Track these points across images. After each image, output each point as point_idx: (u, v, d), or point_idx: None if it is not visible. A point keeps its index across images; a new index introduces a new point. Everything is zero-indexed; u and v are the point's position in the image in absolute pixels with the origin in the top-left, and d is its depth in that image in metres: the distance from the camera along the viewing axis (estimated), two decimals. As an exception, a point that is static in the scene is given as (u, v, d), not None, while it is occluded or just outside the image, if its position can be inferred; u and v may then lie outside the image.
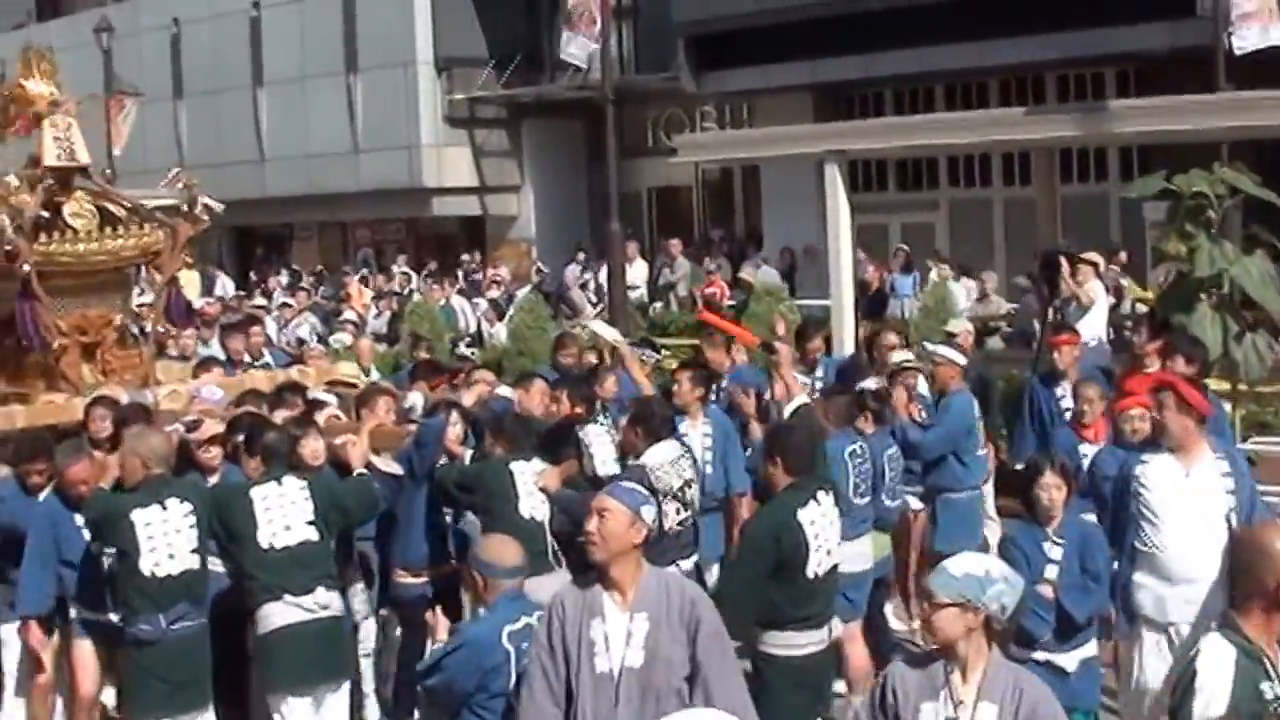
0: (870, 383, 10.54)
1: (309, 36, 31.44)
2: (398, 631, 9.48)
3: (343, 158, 30.62)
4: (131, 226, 10.66)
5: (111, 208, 10.75)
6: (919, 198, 26.04)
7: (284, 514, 8.11)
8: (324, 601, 8.12)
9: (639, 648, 5.50)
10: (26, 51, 10.79)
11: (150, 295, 12.68)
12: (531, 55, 30.06)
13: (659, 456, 8.41)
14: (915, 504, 10.79)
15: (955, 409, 10.59)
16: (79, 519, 8.41)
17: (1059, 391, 11.02)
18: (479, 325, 22.68)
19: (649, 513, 5.60)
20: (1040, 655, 7.19)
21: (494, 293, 24.45)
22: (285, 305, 22.77)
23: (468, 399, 10.12)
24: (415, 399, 9.99)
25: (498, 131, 30.57)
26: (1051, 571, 7.29)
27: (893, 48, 23.85)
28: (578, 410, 9.80)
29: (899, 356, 11.24)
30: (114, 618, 8.30)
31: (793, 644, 7.10)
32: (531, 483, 8.84)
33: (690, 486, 8.58)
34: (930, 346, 11.26)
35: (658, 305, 24.11)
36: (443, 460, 9.16)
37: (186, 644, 7.97)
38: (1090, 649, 7.46)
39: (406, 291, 24.67)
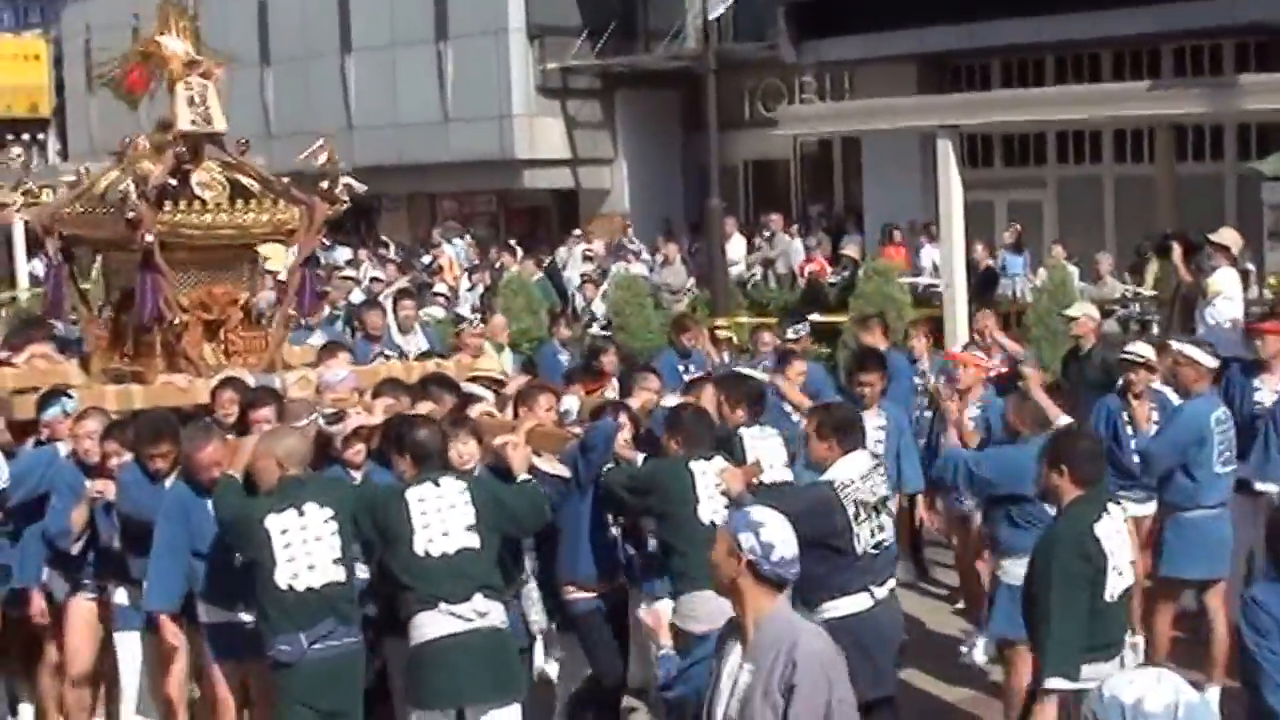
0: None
1: (398, 2, 30.89)
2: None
3: (432, 127, 30.10)
4: (264, 201, 9.90)
5: (244, 180, 9.98)
6: (1026, 174, 25.23)
7: (442, 519, 7.34)
8: (483, 609, 7.31)
9: (737, 699, 4.89)
10: (164, 5, 9.92)
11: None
12: (626, 24, 29.36)
13: (850, 470, 7.42)
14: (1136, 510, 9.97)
15: (1185, 416, 9.44)
16: (212, 507, 7.66)
17: (1256, 383, 10.27)
18: (572, 301, 22.22)
19: (747, 541, 4.90)
20: None
21: (587, 267, 23.96)
22: (375, 279, 22.33)
23: (633, 402, 9.24)
24: (571, 403, 9.15)
25: (591, 102, 29.90)
26: None
27: (1001, 17, 23.01)
28: (738, 411, 8.96)
29: (1133, 348, 10.31)
30: (246, 618, 7.64)
31: (1086, 678, 6.32)
32: (713, 484, 7.94)
33: (886, 503, 7.57)
34: (1175, 345, 10.10)
35: (756, 280, 23.59)
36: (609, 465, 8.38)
37: (332, 666, 7.19)
38: None
39: (499, 265, 24.17)
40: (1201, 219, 19.57)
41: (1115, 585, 6.51)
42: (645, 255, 24.19)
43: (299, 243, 10.10)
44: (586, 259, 24.47)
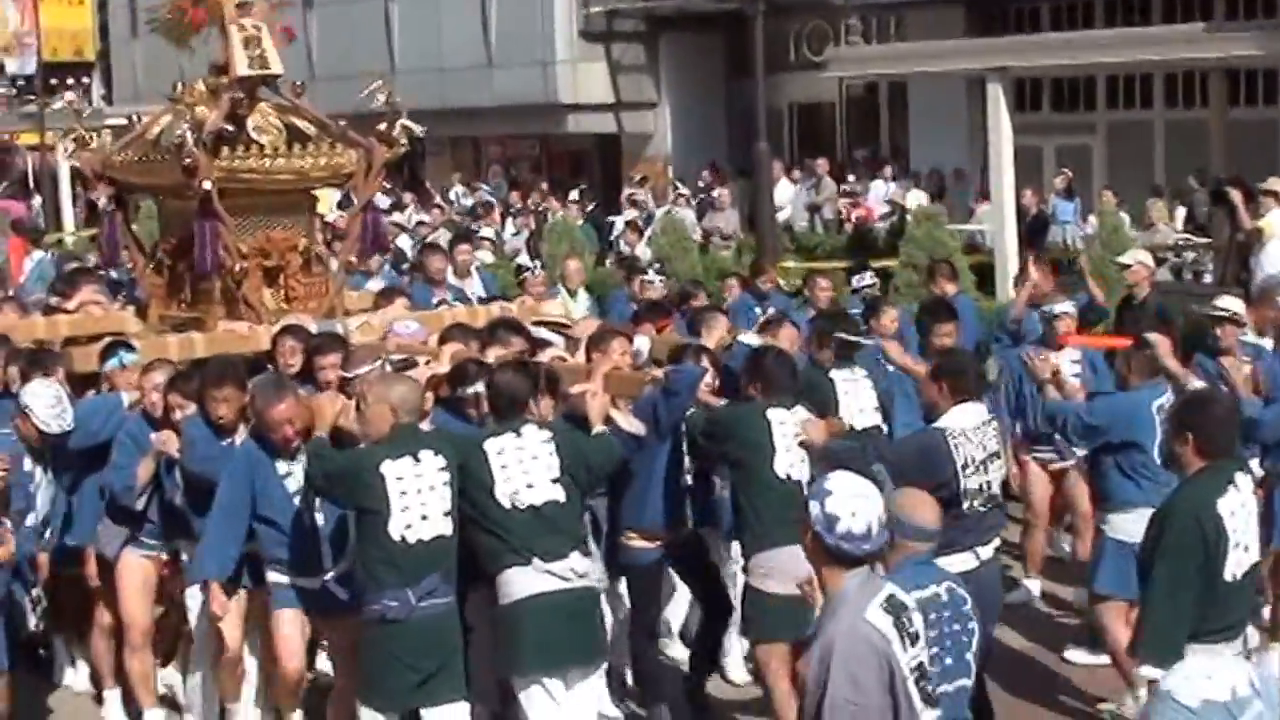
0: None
1: (442, -56, 30.70)
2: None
3: (476, 72, 29.93)
4: (321, 145, 9.67)
5: (299, 123, 9.77)
6: (1075, 119, 25.01)
7: (524, 470, 7.00)
8: (580, 569, 7.01)
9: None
10: None
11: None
12: (671, -34, 29.14)
13: (960, 420, 7.03)
14: None
15: None
16: (281, 467, 7.42)
17: None
18: (615, 246, 22.09)
19: (814, 510, 4.66)
20: None
21: (632, 212, 23.82)
22: (421, 223, 22.27)
23: (708, 341, 8.78)
24: (642, 343, 8.73)
25: (635, 46, 29.61)
26: None
27: (1052, -40, 22.96)
28: (825, 350, 8.66)
29: (1222, 303, 9.79)
30: (328, 578, 7.38)
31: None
32: (791, 435, 7.48)
33: (996, 459, 7.14)
34: None
35: (802, 225, 23.44)
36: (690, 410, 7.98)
37: (437, 623, 6.83)
38: None
39: (541, 209, 24.08)
40: (1254, 164, 19.32)
41: (1238, 563, 6.09)
42: (693, 201, 24.05)
43: (358, 187, 9.88)
44: (632, 203, 24.34)
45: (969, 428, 7.01)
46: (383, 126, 9.83)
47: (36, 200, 29.87)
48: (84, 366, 8.90)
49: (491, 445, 7.06)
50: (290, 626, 7.58)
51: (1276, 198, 14.93)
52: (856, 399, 8.50)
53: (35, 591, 7.97)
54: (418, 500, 6.77)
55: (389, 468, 6.76)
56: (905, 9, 26.01)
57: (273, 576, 7.57)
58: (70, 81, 37.39)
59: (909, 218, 19.13)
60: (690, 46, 29.64)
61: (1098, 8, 24.14)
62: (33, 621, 7.84)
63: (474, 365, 7.89)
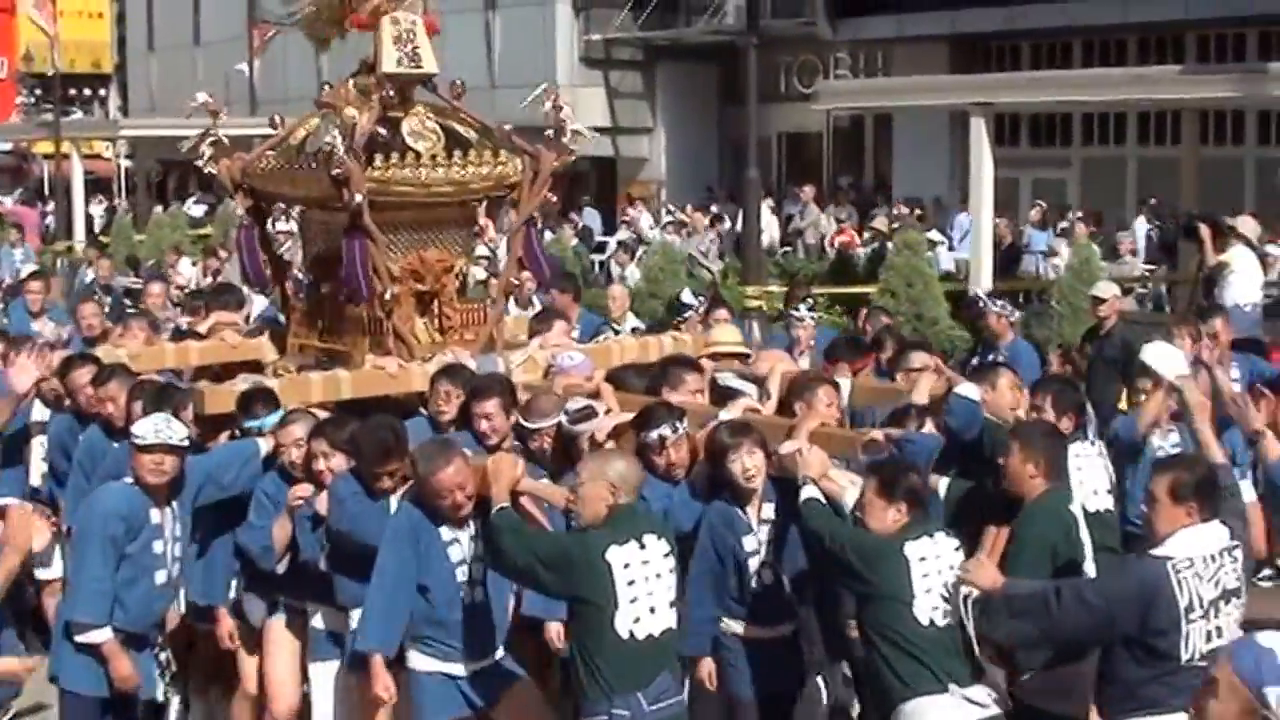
0: None
1: (447, -30, 31.57)
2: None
3: (479, 93, 30.65)
4: (483, 152, 8.44)
5: (459, 128, 8.65)
6: (1052, 154, 25.97)
7: (941, 581, 5.94)
8: (996, 694, 6.01)
9: None
10: None
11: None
12: (668, -1, 30.16)
13: (1190, 547, 5.52)
14: None
15: None
16: (445, 533, 6.46)
17: None
18: (606, 267, 22.80)
19: (1275, 696, 3.70)
20: None
21: (623, 234, 24.66)
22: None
23: (918, 396, 7.47)
24: (841, 385, 7.78)
25: (632, 73, 30.70)
26: None
27: (1033, 0, 23.87)
28: (1064, 421, 7.24)
29: None
30: (497, 659, 6.60)
31: None
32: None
33: (1231, 600, 5.56)
34: None
35: (786, 250, 24.29)
36: None
37: None
38: None
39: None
40: (1222, 201, 20.15)
41: None
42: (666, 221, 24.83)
43: (521, 199, 8.65)
44: (623, 223, 25.14)
45: (1198, 557, 5.53)
46: (550, 133, 8.85)
47: (50, 206, 30.57)
48: (216, 408, 7.74)
49: (914, 550, 5.97)
50: None
51: (1240, 235, 15.68)
52: (1091, 477, 7.30)
53: (164, 656, 7.22)
54: (645, 590, 5.90)
55: (615, 555, 5.87)
56: (892, 45, 26.98)
57: (418, 661, 6.56)
58: (87, 92, 38.20)
59: (890, 245, 19.91)
60: (685, 75, 30.68)
61: (1076, 48, 25.11)
62: (160, 690, 7.14)
63: (663, 408, 7.00)
